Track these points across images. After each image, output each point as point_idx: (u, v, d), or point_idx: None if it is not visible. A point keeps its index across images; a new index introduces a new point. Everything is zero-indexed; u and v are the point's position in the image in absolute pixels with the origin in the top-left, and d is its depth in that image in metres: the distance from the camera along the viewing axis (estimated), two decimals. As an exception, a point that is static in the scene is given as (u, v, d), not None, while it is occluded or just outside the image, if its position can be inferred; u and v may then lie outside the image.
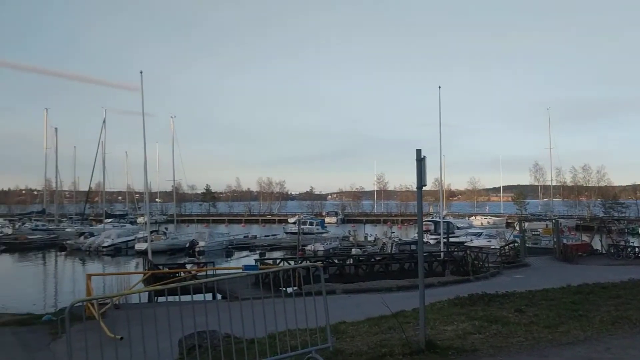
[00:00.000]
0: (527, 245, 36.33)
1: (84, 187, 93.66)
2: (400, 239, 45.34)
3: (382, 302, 8.75)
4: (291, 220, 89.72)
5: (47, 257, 51.84)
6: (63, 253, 53.60)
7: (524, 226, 44.15)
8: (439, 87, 35.86)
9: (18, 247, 57.20)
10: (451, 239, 41.70)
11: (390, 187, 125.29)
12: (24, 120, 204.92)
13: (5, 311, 21.12)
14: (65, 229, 70.38)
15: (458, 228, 58.46)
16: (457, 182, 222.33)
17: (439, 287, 21.03)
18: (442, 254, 31.37)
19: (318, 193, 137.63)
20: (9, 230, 68.03)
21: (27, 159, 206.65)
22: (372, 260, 29.61)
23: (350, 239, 53.03)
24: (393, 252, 35.05)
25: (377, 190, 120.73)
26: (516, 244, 35.56)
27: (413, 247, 35.35)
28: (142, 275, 23.96)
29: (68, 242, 57.17)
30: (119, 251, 51.93)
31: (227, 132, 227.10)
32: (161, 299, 18.38)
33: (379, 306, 10.45)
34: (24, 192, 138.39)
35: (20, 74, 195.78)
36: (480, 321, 9.05)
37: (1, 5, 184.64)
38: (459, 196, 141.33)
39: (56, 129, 78.71)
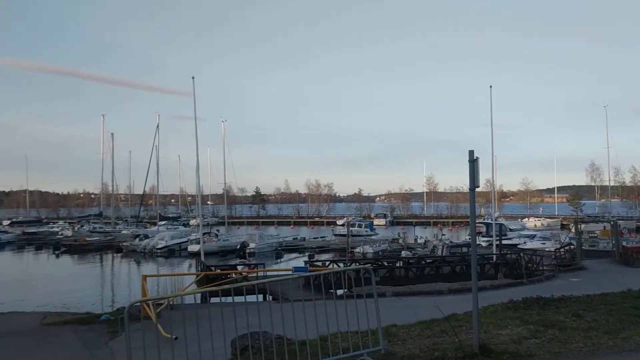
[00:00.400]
0: (583, 247, 35.10)
1: (138, 191, 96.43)
2: (451, 241, 44.65)
3: (434, 305, 8.64)
4: (339, 222, 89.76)
5: (105, 258, 53.64)
6: (119, 254, 55.41)
7: (580, 228, 42.70)
8: (490, 87, 35.02)
9: (77, 248, 59.46)
10: (503, 241, 40.77)
11: (440, 189, 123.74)
12: (82, 126, 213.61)
13: (67, 310, 22.02)
14: (121, 231, 72.69)
15: (510, 230, 57.12)
16: (510, 183, 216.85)
17: (492, 290, 20.59)
18: (494, 256, 30.74)
19: (366, 195, 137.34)
20: (69, 232, 70.85)
21: (85, 163, 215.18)
22: (423, 262, 29.32)
23: (400, 241, 52.62)
24: (444, 254, 34.58)
25: (426, 192, 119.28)
26: (572, 247, 34.44)
27: (464, 249, 34.81)
28: (195, 276, 24.42)
29: (124, 243, 59.05)
30: (172, 252, 53.22)
31: (276, 135, 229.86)
32: (214, 299, 18.75)
33: (430, 309, 10.33)
34: (82, 195, 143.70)
35: (79, 81, 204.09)
36: (536, 325, 8.81)
37: (60, 16, 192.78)
38: (511, 197, 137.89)
39: (112, 134, 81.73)
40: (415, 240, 53.96)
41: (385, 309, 6.17)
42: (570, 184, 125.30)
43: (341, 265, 27.01)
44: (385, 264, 29.33)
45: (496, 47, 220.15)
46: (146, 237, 60.23)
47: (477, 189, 7.35)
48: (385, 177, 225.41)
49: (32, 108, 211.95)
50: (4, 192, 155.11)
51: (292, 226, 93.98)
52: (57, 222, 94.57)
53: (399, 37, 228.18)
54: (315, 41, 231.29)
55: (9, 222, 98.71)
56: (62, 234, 70.57)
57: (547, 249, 38.15)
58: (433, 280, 24.91)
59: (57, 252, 58.74)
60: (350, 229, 56.60)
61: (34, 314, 19.63)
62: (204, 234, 43.63)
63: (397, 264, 29.11)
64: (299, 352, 6.26)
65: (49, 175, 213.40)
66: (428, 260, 30.14)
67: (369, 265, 25.00)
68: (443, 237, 52.77)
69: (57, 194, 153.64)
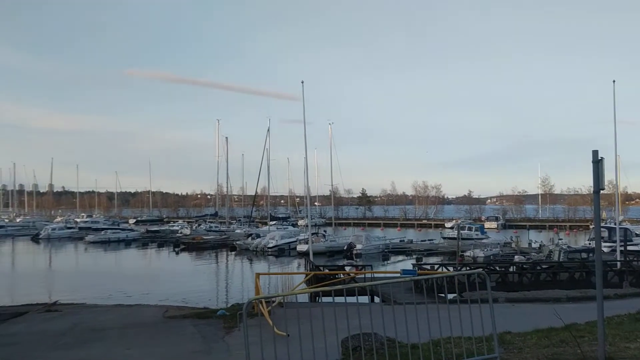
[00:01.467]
0: None
1: (250, 192, 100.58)
2: (568, 246, 42.08)
3: (554, 313, 8.22)
4: (448, 225, 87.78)
5: (219, 256, 56.31)
6: (233, 252, 57.95)
7: None
8: (614, 82, 32.56)
9: (195, 246, 62.99)
10: (629, 247, 37.76)
11: (557, 190, 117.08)
12: (199, 131, 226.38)
13: (186, 304, 23.42)
14: (235, 230, 75.92)
15: (637, 235, 52.76)
16: (635, 184, 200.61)
17: (616, 300, 19.17)
18: (618, 263, 28.59)
19: (476, 197, 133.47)
20: (187, 231, 75.26)
21: (202, 166, 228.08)
22: (538, 268, 27.88)
23: (513, 245, 50.46)
24: (561, 260, 32.68)
25: (541, 194, 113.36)
26: None
27: (584, 255, 32.72)
28: (305, 275, 24.99)
29: (237, 242, 61.63)
30: (282, 252, 54.76)
31: (383, 136, 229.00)
32: (323, 299, 19.06)
33: (546, 317, 9.84)
34: (199, 196, 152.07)
35: (198, 89, 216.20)
36: (670, 340, 8.11)
37: (175, 26, 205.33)
38: (637, 200, 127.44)
39: (227, 138, 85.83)
40: (529, 244, 51.48)
41: (498, 316, 5.97)
42: None
43: (450, 269, 26.40)
44: (498, 268, 28.26)
45: (619, 39, 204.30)
46: (258, 236, 62.47)
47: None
48: (497, 178, 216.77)
49: (155, 115, 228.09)
50: (130, 192, 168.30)
51: (398, 228, 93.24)
52: (177, 221, 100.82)
53: (508, 33, 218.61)
54: (423, 41, 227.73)
55: (134, 220, 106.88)
56: (181, 233, 75.17)
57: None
58: (549, 287, 23.60)
59: (176, 249, 62.58)
60: (460, 231, 55.13)
61: (157, 307, 21.12)
62: (312, 234, 44.53)
63: (510, 269, 27.98)
64: (411, 356, 6.23)
65: (170, 177, 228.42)
66: (544, 266, 28.61)
67: (483, 269, 24.24)
68: (560, 241, 49.89)
69: (177, 195, 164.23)
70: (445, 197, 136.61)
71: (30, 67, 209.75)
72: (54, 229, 79.39)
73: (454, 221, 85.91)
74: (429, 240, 62.78)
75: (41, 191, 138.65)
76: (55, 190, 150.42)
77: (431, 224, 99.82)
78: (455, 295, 17.97)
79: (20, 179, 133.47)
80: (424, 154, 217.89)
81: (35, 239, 75.76)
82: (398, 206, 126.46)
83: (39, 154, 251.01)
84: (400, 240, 61.49)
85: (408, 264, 39.20)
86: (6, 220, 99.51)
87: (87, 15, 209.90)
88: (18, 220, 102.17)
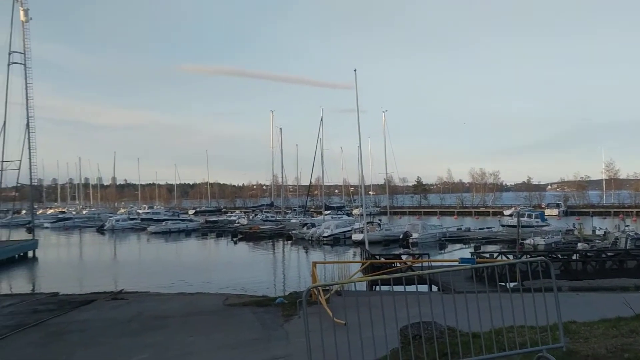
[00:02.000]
0: None
1: (305, 182, 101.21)
2: (636, 233, 40.28)
3: (624, 302, 7.91)
4: (507, 212, 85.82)
5: (276, 245, 57.10)
6: (289, 242, 58.63)
7: None
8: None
9: (252, 236, 64.20)
10: None
11: (622, 175, 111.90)
12: (254, 122, 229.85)
13: (245, 292, 23.92)
14: (290, 220, 76.79)
15: None
16: None
17: (690, 289, 18.27)
18: (691, 250, 27.20)
19: (536, 183, 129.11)
20: (245, 221, 76.72)
21: (257, 157, 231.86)
22: (603, 256, 26.85)
23: (575, 232, 48.71)
24: (628, 247, 31.35)
25: (605, 179, 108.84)
26: None
27: (653, 242, 31.30)
28: (361, 264, 25.00)
29: (293, 232, 62.33)
30: (337, 241, 54.96)
31: (437, 124, 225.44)
32: (379, 287, 19.01)
33: (613, 306, 9.50)
34: (255, 187, 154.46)
35: (252, 81, 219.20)
36: None
37: (230, 21, 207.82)
38: None
39: (280, 129, 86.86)
40: (593, 231, 49.54)
41: (562, 305, 5.78)
42: None
43: (510, 257, 25.77)
44: (560, 256, 27.39)
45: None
46: (313, 225, 62.97)
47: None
48: (558, 164, 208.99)
49: (211, 108, 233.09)
50: (188, 184, 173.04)
51: (455, 216, 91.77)
52: (234, 212, 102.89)
53: (570, 17, 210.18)
54: (478, 24, 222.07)
55: (193, 211, 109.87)
56: (238, 223, 76.73)
57: None
58: (615, 276, 22.71)
59: (234, 239, 63.91)
60: (520, 219, 53.69)
61: (217, 295, 21.64)
62: (367, 223, 44.45)
63: (573, 257, 27.07)
64: (472, 344, 6.14)
65: (227, 168, 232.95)
66: (609, 254, 27.52)
67: (545, 257, 23.57)
68: (626, 228, 47.81)
69: (234, 186, 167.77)
70: (504, 184, 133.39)
71: (92, 67, 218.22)
72: (117, 221, 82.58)
73: (513, 208, 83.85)
74: (487, 228, 61.52)
75: (105, 184, 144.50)
76: (118, 183, 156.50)
77: (489, 211, 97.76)
78: (515, 284, 17.56)
79: (85, 173, 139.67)
80: (481, 141, 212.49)
81: (101, 230, 79.03)
82: (454, 194, 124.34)
83: (102, 149, 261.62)
84: (458, 229, 60.60)
85: (466, 252, 38.50)
86: (73, 213, 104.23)
87: (142, 12, 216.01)
88: (84, 212, 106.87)
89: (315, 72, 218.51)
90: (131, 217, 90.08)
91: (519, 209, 75.40)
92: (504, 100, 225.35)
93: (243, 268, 37.70)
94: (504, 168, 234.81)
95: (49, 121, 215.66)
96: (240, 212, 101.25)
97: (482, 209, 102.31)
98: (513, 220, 56.48)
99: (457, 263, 19.48)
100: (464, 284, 20.05)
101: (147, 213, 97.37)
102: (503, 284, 16.79)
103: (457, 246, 49.62)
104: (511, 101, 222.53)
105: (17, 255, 44.31)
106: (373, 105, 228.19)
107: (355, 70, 33.88)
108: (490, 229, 59.71)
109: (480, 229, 61.45)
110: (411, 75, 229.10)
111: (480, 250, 34.95)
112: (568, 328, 8.47)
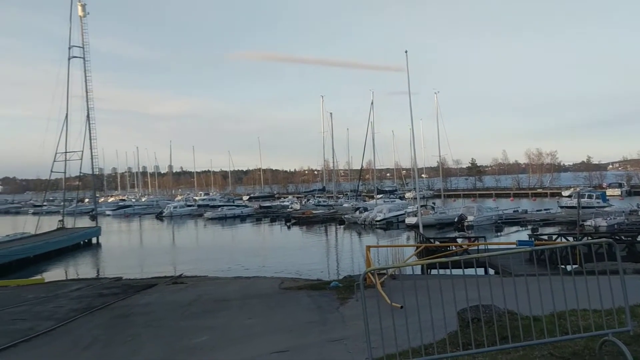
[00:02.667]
0: None
1: (356, 166, 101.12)
2: None
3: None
4: (565, 193, 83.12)
5: (329, 229, 57.40)
6: (341, 226, 58.82)
7: None
8: None
9: (305, 220, 64.89)
10: None
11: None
12: (305, 107, 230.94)
13: (299, 276, 24.23)
14: (343, 204, 76.95)
15: None
16: None
17: None
18: None
19: (596, 163, 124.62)
20: (297, 206, 77.52)
21: (308, 142, 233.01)
22: (671, 237, 25.68)
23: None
24: (698, 228, 29.87)
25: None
26: None
27: None
28: (415, 248, 24.83)
29: (345, 216, 62.51)
30: (390, 225, 54.71)
31: (492, 104, 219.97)
32: (434, 271, 18.85)
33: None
34: (306, 172, 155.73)
35: (303, 66, 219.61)
36: None
37: (280, 5, 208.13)
38: None
39: (331, 113, 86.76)
40: (660, 212, 47.53)
41: (628, 288, 5.57)
42: None
43: (570, 239, 25.01)
44: (624, 238, 26.35)
45: None
46: (365, 209, 62.84)
47: None
48: (619, 142, 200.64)
49: (263, 95, 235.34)
50: (242, 170, 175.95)
51: (511, 198, 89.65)
52: (287, 197, 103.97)
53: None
54: (534, 2, 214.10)
55: (247, 197, 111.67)
56: (291, 208, 77.69)
57: None
58: (685, 258, 21.69)
59: (288, 224, 64.74)
60: (580, 200, 51.95)
61: (273, 279, 22.04)
62: (420, 206, 44.03)
63: (638, 239, 25.99)
64: (534, 328, 6.03)
65: (279, 154, 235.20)
66: (678, 235, 26.30)
67: (608, 239, 22.75)
68: (697, 208, 45.59)
69: (286, 171, 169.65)
70: (562, 164, 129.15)
71: (147, 58, 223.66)
72: (175, 207, 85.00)
73: (572, 189, 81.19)
74: (545, 209, 59.88)
75: (162, 172, 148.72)
76: (174, 171, 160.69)
77: (547, 192, 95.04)
78: (576, 266, 17.04)
79: (143, 162, 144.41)
80: (537, 120, 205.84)
81: (159, 216, 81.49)
82: (510, 175, 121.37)
83: (159, 138, 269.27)
84: (514, 211, 59.14)
85: (523, 234, 37.62)
86: (133, 200, 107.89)
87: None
88: (143, 199, 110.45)
89: (366, 55, 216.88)
90: (188, 203, 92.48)
91: (578, 189, 72.93)
92: (561, 78, 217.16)
93: (297, 252, 38.10)
94: (562, 147, 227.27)
95: (107, 112, 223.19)
96: (293, 197, 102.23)
97: (539, 190, 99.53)
98: (572, 202, 54.75)
99: (514, 246, 19.06)
100: (523, 267, 19.62)
101: (203, 199, 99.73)
102: (563, 266, 16.31)
103: (514, 228, 48.54)
104: (569, 78, 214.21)
105: (82, 242, 46.30)
106: (425, 86, 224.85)
107: (406, 52, 33.44)
108: (548, 211, 58.07)
109: (537, 210, 59.84)
110: (463, 55, 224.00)
111: (538, 233, 34.01)
112: (635, 312, 8.18)
